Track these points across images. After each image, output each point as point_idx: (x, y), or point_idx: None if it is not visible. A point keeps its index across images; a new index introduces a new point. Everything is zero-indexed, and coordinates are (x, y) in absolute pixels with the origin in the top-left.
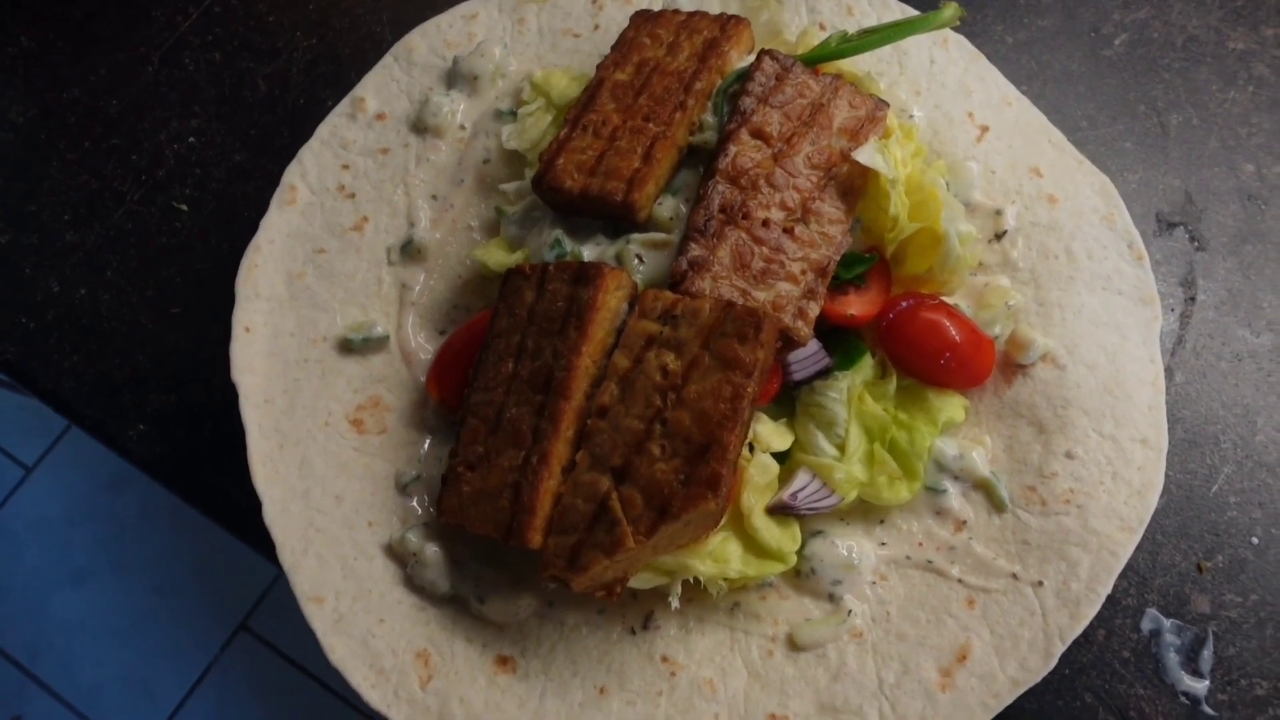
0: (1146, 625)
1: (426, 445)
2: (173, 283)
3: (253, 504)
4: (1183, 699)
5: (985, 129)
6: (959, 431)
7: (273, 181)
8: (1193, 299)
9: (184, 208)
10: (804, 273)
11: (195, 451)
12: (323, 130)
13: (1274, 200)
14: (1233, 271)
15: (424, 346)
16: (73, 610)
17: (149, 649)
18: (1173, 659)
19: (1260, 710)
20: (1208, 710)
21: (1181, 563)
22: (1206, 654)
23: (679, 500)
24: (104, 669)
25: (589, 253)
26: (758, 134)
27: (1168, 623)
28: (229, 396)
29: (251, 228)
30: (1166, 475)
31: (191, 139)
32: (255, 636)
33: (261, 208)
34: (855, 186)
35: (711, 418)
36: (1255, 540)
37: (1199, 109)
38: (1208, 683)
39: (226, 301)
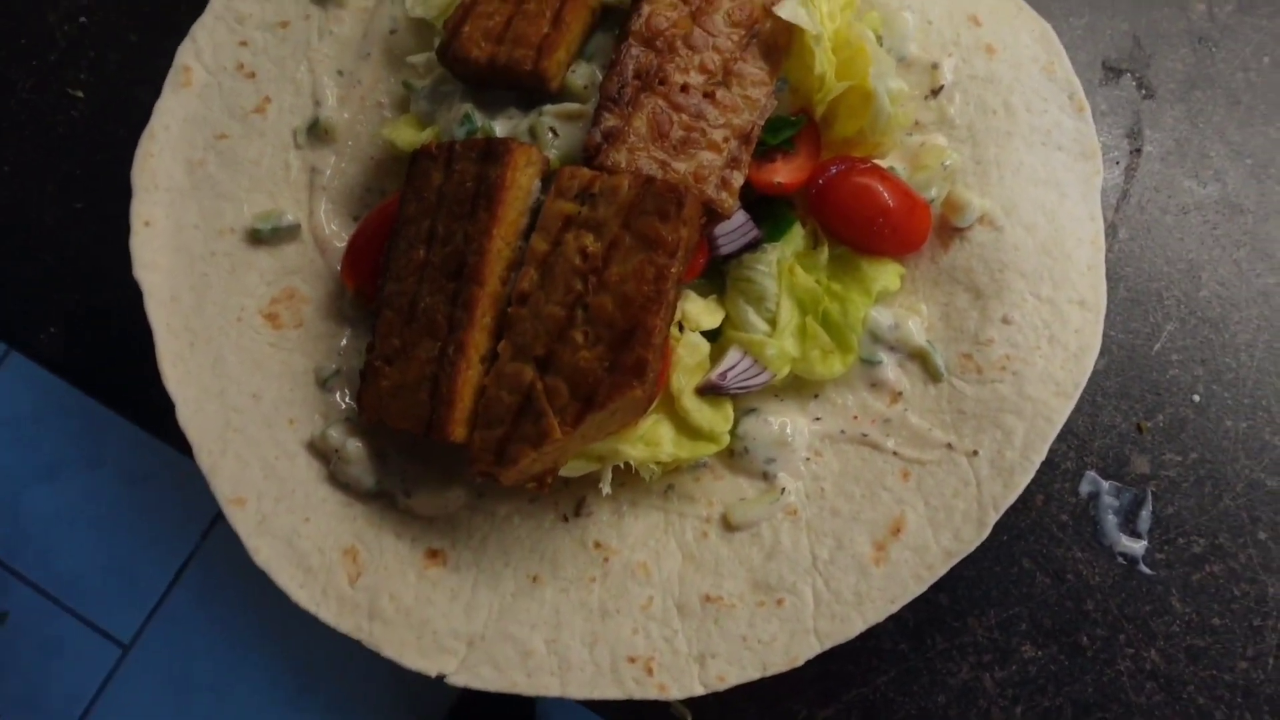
0: (1085, 488)
1: (345, 338)
2: (73, 175)
3: (171, 405)
4: (1120, 559)
5: None
6: (894, 300)
7: (171, 63)
8: (1139, 150)
9: (79, 94)
10: (727, 140)
11: (108, 353)
12: (216, 4)
13: (1225, 42)
14: (1180, 120)
15: (338, 234)
16: (48, 505)
17: (128, 540)
18: (1110, 520)
19: (1197, 567)
20: (1144, 570)
21: (1122, 423)
22: (1145, 514)
23: (604, 389)
24: (85, 561)
25: (501, 127)
26: None
27: (1106, 484)
28: (138, 295)
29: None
30: (1108, 335)
31: (83, 19)
32: None
33: (161, 91)
34: (779, 44)
35: (634, 301)
36: (1196, 398)
37: None
38: (1145, 543)
39: (130, 194)
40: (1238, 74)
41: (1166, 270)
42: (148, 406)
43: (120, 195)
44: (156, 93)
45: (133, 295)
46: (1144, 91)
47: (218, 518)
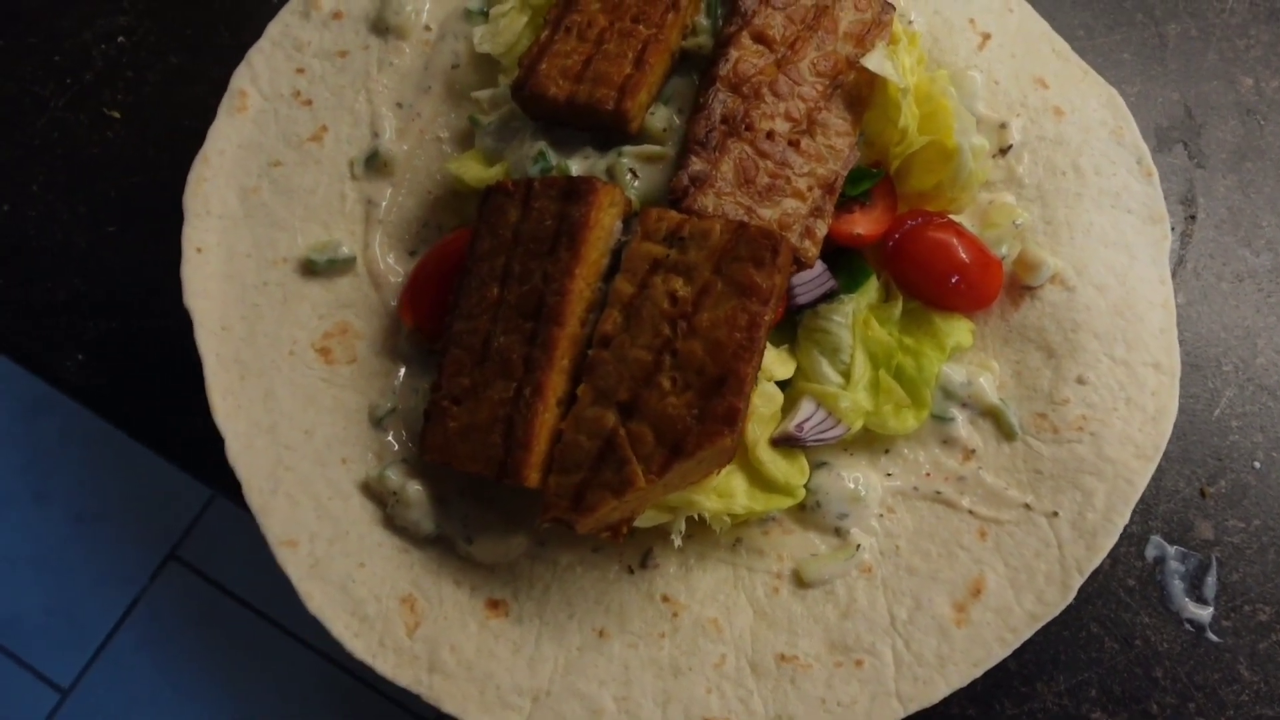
0: (1151, 553)
1: (400, 375)
2: (107, 198)
3: (209, 438)
4: (1187, 626)
5: (987, 36)
6: (965, 357)
7: (214, 86)
8: (1193, 217)
9: (116, 115)
10: (810, 189)
11: (141, 382)
12: (273, 30)
13: (1273, 116)
14: (1232, 189)
15: (394, 268)
16: None
17: (73, 579)
18: (1177, 586)
19: (1263, 636)
20: (1212, 637)
21: (1185, 488)
22: (1210, 580)
23: (693, 437)
24: (25, 600)
25: (577, 167)
26: (759, 38)
27: (1172, 550)
28: (176, 323)
29: (193, 137)
30: None
31: (121, 38)
32: (185, 565)
33: (203, 115)
34: (862, 96)
35: (726, 348)
36: (1257, 464)
37: (1197, 19)
38: (1212, 609)
39: (168, 219)
40: None
41: (1224, 336)
42: (176, 438)
43: (155, 220)
44: (197, 116)
45: (165, 323)
46: (1195, 160)
47: (168, 559)
